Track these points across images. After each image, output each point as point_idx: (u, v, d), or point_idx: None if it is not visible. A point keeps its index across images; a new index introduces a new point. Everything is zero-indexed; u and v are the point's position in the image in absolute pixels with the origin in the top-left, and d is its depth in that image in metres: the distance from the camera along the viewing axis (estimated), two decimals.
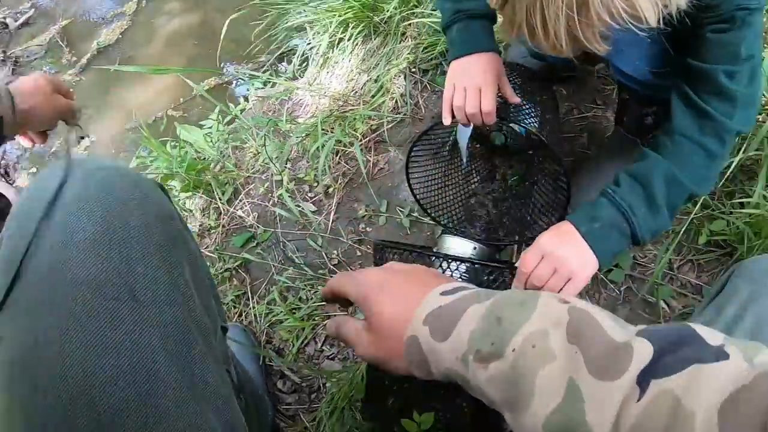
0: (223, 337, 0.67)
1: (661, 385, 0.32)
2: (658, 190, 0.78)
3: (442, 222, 1.10)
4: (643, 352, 0.35)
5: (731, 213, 1.16)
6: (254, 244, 1.37)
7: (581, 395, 0.35)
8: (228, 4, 2.25)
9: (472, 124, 0.98)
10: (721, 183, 1.22)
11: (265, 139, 1.42)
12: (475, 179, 1.20)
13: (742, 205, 1.16)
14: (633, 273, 1.19)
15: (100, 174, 0.51)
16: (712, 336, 0.35)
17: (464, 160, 1.15)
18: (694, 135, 0.79)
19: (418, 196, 1.06)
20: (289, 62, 1.64)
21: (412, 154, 1.01)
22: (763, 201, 1.10)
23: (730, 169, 1.27)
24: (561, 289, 0.79)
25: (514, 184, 1.21)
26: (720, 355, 0.33)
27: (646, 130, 1.13)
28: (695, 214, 1.21)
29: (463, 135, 1.05)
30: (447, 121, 0.95)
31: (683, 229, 1.11)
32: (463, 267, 0.84)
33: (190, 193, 1.55)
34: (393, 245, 0.89)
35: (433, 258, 0.85)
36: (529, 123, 1.07)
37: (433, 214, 1.08)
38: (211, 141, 1.59)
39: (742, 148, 1.17)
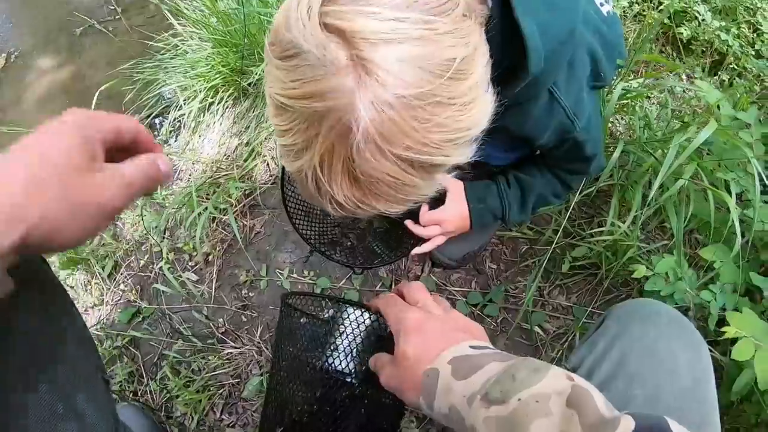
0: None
1: None
2: (530, 199, 1.04)
3: (310, 242, 1.12)
4: (628, 426, 0.41)
5: (592, 236, 1.28)
6: (140, 319, 1.35)
7: None
8: (101, 58, 2.20)
9: None
10: (579, 211, 1.35)
11: (142, 210, 1.40)
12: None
13: (600, 232, 1.28)
14: (507, 304, 1.30)
15: None
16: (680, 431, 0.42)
17: None
18: (560, 175, 1.02)
19: (290, 212, 1.08)
20: (160, 128, 1.63)
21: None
22: (617, 227, 1.22)
23: (589, 197, 1.40)
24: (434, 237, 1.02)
25: (377, 229, 1.29)
26: None
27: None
28: (557, 243, 1.32)
29: None
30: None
31: (547, 258, 1.21)
32: (366, 315, 0.89)
33: (70, 270, 1.50)
34: (300, 294, 0.94)
35: (342, 306, 0.88)
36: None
37: (301, 231, 1.10)
38: None
39: (597, 179, 1.30)
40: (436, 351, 0.58)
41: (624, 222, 1.19)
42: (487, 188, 1.04)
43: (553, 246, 1.24)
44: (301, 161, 0.54)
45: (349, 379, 0.93)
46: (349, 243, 1.23)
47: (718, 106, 1.14)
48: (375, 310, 0.73)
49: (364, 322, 0.91)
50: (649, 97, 1.65)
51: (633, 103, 1.42)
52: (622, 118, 1.53)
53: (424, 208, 1.01)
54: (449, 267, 1.29)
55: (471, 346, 0.57)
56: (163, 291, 1.33)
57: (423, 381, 0.57)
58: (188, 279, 1.30)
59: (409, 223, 1.02)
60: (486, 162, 1.07)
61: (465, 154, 0.59)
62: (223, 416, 1.23)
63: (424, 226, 1.01)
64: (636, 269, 1.13)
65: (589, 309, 1.27)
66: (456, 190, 1.03)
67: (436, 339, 0.60)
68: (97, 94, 1.46)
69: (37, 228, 0.39)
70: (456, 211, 1.02)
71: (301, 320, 0.91)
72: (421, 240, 1.04)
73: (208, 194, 1.36)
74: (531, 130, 0.86)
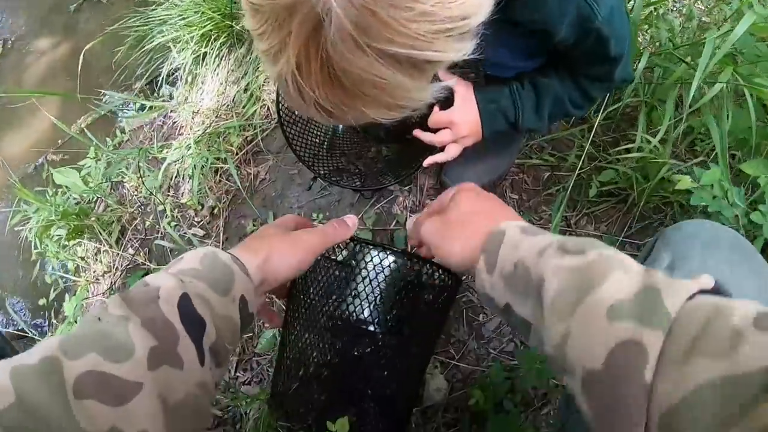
0: None
1: (706, 297, 0.38)
2: (545, 102, 0.93)
3: (313, 168, 1.08)
4: (708, 279, 0.40)
5: (618, 161, 1.18)
6: None
7: (658, 288, 0.39)
8: (98, 31, 2.14)
9: None
10: (603, 134, 1.25)
11: (142, 171, 1.34)
12: (347, 144, 1.21)
13: (628, 151, 1.18)
14: None
15: None
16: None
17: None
18: (581, 82, 0.91)
19: (293, 145, 1.04)
20: (159, 85, 1.56)
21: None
22: (646, 144, 1.12)
23: (613, 119, 1.30)
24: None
25: (387, 156, 1.22)
26: None
27: None
28: (581, 168, 1.23)
29: None
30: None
31: (572, 184, 1.12)
32: (391, 258, 0.82)
33: (77, 240, 1.46)
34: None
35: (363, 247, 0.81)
36: None
37: (303, 158, 1.06)
38: (91, 181, 1.50)
39: (621, 97, 1.20)
40: (501, 217, 0.58)
41: (654, 137, 1.09)
42: (498, 90, 0.94)
43: (577, 171, 1.14)
44: (279, 65, 0.49)
45: (372, 328, 0.86)
46: (357, 170, 1.15)
47: (750, 4, 1.02)
48: (414, 238, 0.69)
49: (388, 266, 0.84)
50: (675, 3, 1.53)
51: (656, 11, 1.30)
52: (646, 30, 1.41)
53: (435, 110, 0.92)
54: None
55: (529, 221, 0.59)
56: (170, 250, 1.28)
57: (487, 238, 0.55)
58: (194, 235, 1.24)
59: (417, 131, 0.93)
60: (499, 75, 0.97)
61: (462, 50, 0.51)
62: (238, 374, 1.17)
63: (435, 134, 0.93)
64: (680, 179, 1.02)
65: (620, 238, 1.17)
66: (464, 91, 0.93)
67: (496, 208, 0.63)
68: (82, 54, 1.40)
69: (270, 255, 0.61)
70: (466, 113, 0.92)
71: (318, 264, 0.82)
72: (435, 149, 0.95)
73: (208, 145, 1.29)
74: (546, 20, 0.76)
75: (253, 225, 1.23)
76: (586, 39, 0.78)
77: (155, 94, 1.56)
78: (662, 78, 1.23)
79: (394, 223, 1.18)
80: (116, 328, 0.44)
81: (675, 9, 1.55)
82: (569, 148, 1.27)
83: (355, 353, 0.86)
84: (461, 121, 0.92)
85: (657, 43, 1.27)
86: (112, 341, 0.43)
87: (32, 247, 1.60)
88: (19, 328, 1.58)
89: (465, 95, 0.93)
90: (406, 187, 1.21)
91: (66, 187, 1.55)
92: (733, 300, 0.36)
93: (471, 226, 0.59)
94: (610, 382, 0.37)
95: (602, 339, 0.38)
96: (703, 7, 1.53)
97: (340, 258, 0.85)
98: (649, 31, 1.42)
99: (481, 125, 0.94)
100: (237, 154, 1.27)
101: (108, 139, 1.63)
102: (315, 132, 1.14)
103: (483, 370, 1.12)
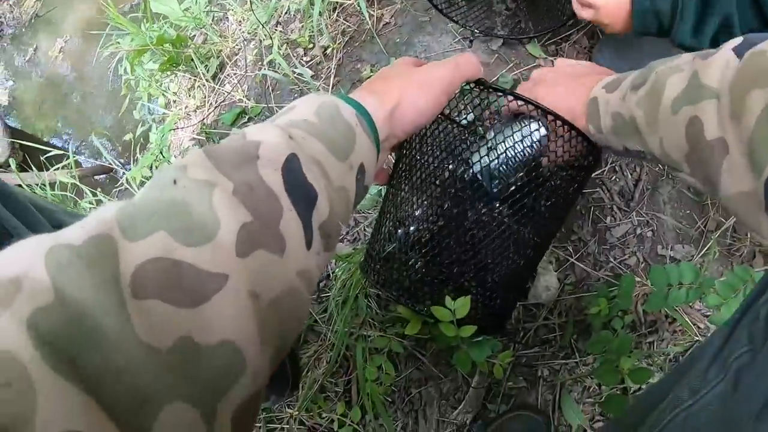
0: None
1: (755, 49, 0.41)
2: (710, 18, 0.74)
3: (464, 24, 1.01)
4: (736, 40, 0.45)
5: None
6: (245, 120, 1.20)
7: (697, 72, 0.46)
8: None
9: None
10: None
11: (251, 2, 1.21)
12: None
13: None
14: None
15: None
16: None
17: None
18: None
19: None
20: None
21: None
22: None
23: None
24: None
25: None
26: None
27: None
28: None
29: None
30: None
31: None
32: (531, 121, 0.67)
33: (170, 72, 1.37)
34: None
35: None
36: None
37: (455, 19, 0.98)
38: (191, 12, 1.39)
39: None
40: (591, 83, 0.63)
41: None
42: None
43: None
44: None
45: (490, 197, 0.71)
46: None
47: None
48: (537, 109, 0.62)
49: (524, 127, 0.68)
50: None
51: None
52: None
53: None
54: None
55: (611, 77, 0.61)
56: (272, 85, 1.15)
57: (588, 110, 0.61)
58: (302, 75, 1.12)
59: None
60: None
61: None
62: None
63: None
64: None
65: None
66: None
67: (588, 74, 0.67)
68: None
69: (400, 100, 0.50)
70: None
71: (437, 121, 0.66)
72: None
73: None
74: None
75: (371, 70, 1.08)
76: None
77: None
78: None
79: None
80: (196, 197, 0.31)
81: None
82: None
83: (465, 224, 0.72)
84: (604, 5, 0.80)
85: None
86: (190, 217, 0.30)
87: (122, 81, 1.53)
88: (106, 162, 1.54)
89: None
90: (550, 57, 1.03)
91: (163, 17, 1.44)
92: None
93: (578, 89, 0.64)
94: (697, 155, 0.46)
95: (678, 128, 0.47)
96: None
97: (463, 121, 0.69)
98: None
99: (632, 18, 0.79)
100: None
101: None
102: None
103: (601, 278, 0.99)
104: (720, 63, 0.43)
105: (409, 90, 0.51)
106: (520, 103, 0.62)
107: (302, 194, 0.36)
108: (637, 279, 0.97)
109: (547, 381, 0.97)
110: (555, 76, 0.70)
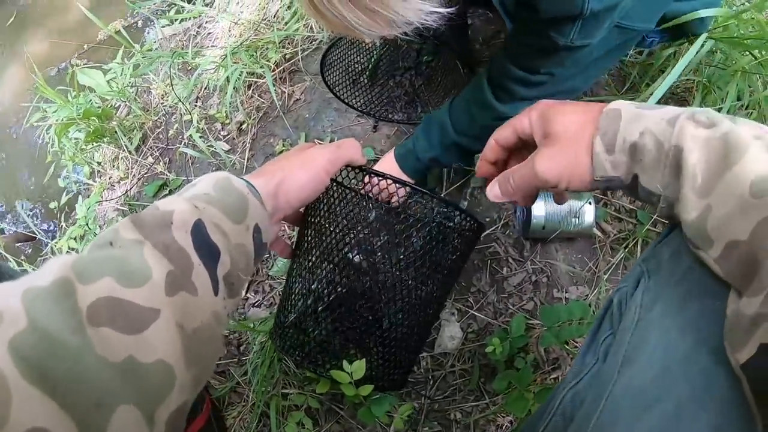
0: None
1: None
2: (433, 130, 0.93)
3: (363, 110, 1.10)
4: None
5: None
6: (167, 192, 1.25)
7: None
8: None
9: None
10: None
11: (171, 77, 1.28)
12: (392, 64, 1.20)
13: None
14: None
15: None
16: None
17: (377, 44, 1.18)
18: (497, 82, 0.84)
19: (334, 89, 1.06)
20: None
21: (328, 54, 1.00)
22: None
23: (657, 99, 1.24)
24: None
25: (427, 61, 1.20)
26: None
27: None
28: None
29: None
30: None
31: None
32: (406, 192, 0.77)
33: (96, 144, 1.41)
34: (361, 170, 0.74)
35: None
36: None
37: (352, 104, 1.09)
38: (116, 85, 1.45)
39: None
40: (593, 113, 0.50)
41: None
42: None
43: None
44: None
45: (382, 265, 0.80)
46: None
47: None
48: (496, 146, 0.59)
49: (406, 201, 0.78)
50: None
51: None
52: None
53: None
54: None
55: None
56: (191, 159, 1.23)
57: (601, 118, 0.49)
58: (220, 148, 1.19)
59: None
60: None
61: None
62: (249, 294, 1.14)
63: None
64: None
65: (654, 216, 1.12)
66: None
67: (582, 106, 0.53)
68: None
69: (283, 178, 0.58)
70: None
71: (332, 191, 0.71)
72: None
73: (245, 59, 1.23)
74: None
75: (283, 145, 1.17)
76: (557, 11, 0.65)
77: (192, 3, 1.49)
78: (722, 64, 1.16)
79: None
80: (131, 251, 0.41)
81: None
82: None
83: (362, 289, 0.81)
84: None
85: (722, 29, 1.20)
86: (128, 265, 0.40)
87: (48, 148, 1.56)
88: (29, 230, 1.55)
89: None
90: None
91: (89, 88, 1.49)
92: None
93: (576, 137, 0.51)
94: (753, 251, 0.37)
95: (748, 213, 0.38)
96: None
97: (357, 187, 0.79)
98: None
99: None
100: (274, 70, 1.20)
101: (138, 45, 1.56)
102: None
103: (500, 324, 1.09)
104: None
105: (292, 169, 0.59)
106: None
107: (208, 251, 0.45)
108: (536, 321, 1.07)
109: (460, 423, 1.05)
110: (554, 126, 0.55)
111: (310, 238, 0.75)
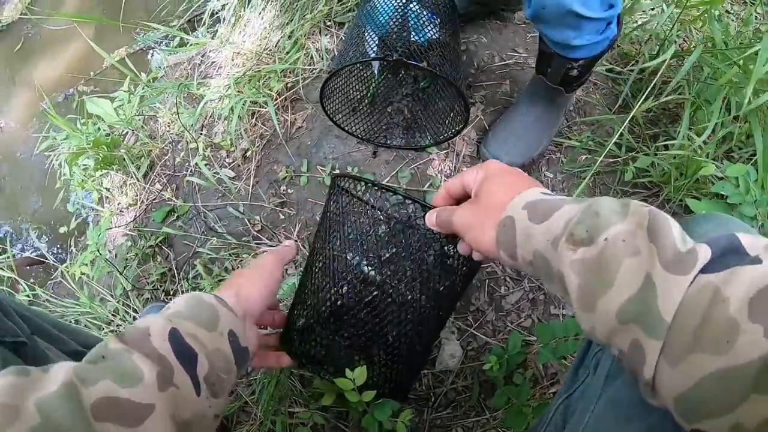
0: None
1: (706, 278, 0.38)
2: None
3: (363, 137, 1.16)
4: (705, 255, 0.40)
5: (656, 155, 1.17)
6: (175, 218, 1.30)
7: (655, 287, 0.39)
8: None
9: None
10: (644, 128, 1.24)
11: (177, 106, 1.33)
12: (390, 90, 1.26)
13: (666, 147, 1.17)
14: None
15: None
16: (752, 246, 0.40)
17: (376, 73, 1.23)
18: None
19: (334, 117, 1.11)
20: (201, 24, 1.55)
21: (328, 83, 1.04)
22: (688, 142, 1.11)
23: (655, 113, 1.29)
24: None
25: (425, 86, 1.26)
26: (755, 261, 0.38)
27: (571, 81, 1.08)
28: (618, 156, 1.22)
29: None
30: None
31: (596, 166, 1.11)
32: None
33: (105, 171, 1.46)
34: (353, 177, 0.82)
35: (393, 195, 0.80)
36: (430, 33, 1.06)
37: (352, 131, 1.14)
38: (123, 113, 1.50)
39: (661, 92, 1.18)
40: (514, 193, 0.55)
41: (697, 136, 1.08)
42: None
43: (599, 159, 1.13)
44: None
45: (388, 282, 0.84)
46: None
47: None
48: (443, 228, 0.66)
49: (416, 224, 0.82)
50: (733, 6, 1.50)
51: (711, 11, 1.26)
52: (700, 28, 1.38)
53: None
54: None
55: (542, 192, 0.54)
56: (198, 186, 1.27)
57: (498, 232, 0.54)
58: (225, 175, 1.24)
59: None
60: None
61: None
62: None
63: None
64: (705, 166, 1.02)
65: None
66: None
67: (512, 182, 0.58)
68: None
69: (241, 284, 0.67)
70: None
71: (342, 206, 0.80)
72: None
73: (248, 88, 1.28)
74: None
75: (286, 172, 1.22)
76: None
77: (195, 33, 1.54)
78: (711, 78, 1.21)
79: (428, 184, 1.17)
80: (122, 358, 0.48)
81: (732, 12, 1.52)
82: (609, 135, 1.25)
83: (367, 303, 0.85)
84: None
85: (710, 43, 1.26)
86: (122, 369, 0.46)
87: (58, 175, 1.61)
88: (39, 253, 1.59)
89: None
90: (443, 151, 1.20)
91: (97, 117, 1.55)
92: (732, 272, 0.37)
93: (492, 210, 0.56)
94: (630, 368, 0.42)
95: (618, 337, 0.42)
96: (762, 13, 1.50)
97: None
98: (702, 28, 1.40)
99: None
100: (276, 99, 1.25)
101: (143, 74, 1.62)
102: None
103: (498, 342, 1.13)
104: (683, 287, 0.39)
105: (245, 279, 0.69)
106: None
107: (186, 355, 0.52)
108: (534, 338, 1.11)
109: None
110: (483, 196, 0.60)
111: (319, 245, 0.80)
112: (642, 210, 0.44)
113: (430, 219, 0.67)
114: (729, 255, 0.39)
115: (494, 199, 0.56)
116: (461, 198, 0.66)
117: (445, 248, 0.77)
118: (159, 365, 0.48)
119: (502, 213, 0.54)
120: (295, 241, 1.18)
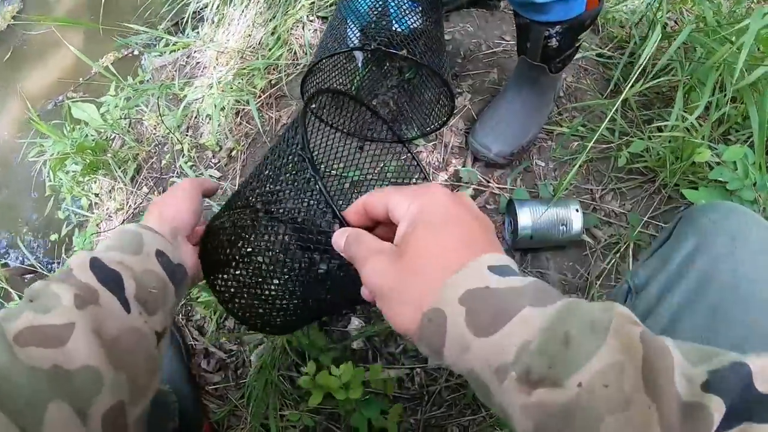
0: None
1: None
2: None
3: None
4: (720, 410, 0.29)
5: (650, 139, 1.15)
6: None
7: None
8: None
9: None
10: (637, 111, 1.21)
11: (160, 108, 1.32)
12: (375, 83, 1.22)
13: (660, 130, 1.14)
14: None
15: None
16: (764, 377, 0.30)
17: (360, 66, 1.20)
18: None
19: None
20: (184, 25, 1.53)
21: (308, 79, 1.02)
22: (681, 122, 1.08)
23: (648, 96, 1.26)
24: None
25: (410, 77, 1.22)
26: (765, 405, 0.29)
27: (552, 55, 1.04)
28: (611, 141, 1.19)
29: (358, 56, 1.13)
30: None
31: (586, 153, 1.08)
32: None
33: (92, 177, 1.45)
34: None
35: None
36: (411, 21, 1.03)
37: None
38: (110, 117, 1.48)
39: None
40: (457, 261, 0.38)
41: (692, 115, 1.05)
42: None
43: (589, 144, 1.10)
44: None
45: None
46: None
47: None
48: (357, 214, 0.48)
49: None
50: None
51: None
52: (690, 8, 1.35)
53: None
54: (496, 164, 1.17)
55: (489, 267, 0.37)
56: None
57: (422, 326, 0.37)
58: (211, 176, 1.22)
59: None
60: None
61: None
62: None
63: None
64: (701, 152, 0.99)
65: (645, 218, 1.13)
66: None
67: (453, 242, 0.39)
68: None
69: (161, 205, 0.67)
70: None
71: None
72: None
73: (231, 87, 1.26)
74: None
75: None
76: None
77: (180, 35, 1.52)
78: (703, 58, 1.18)
79: (415, 178, 1.15)
80: (43, 291, 0.49)
81: None
82: (601, 121, 1.23)
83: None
84: None
85: (701, 23, 1.22)
86: (40, 301, 0.48)
87: (46, 183, 1.60)
88: (29, 263, 1.57)
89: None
90: (431, 143, 1.18)
91: (83, 122, 1.53)
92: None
93: (424, 280, 0.38)
94: None
95: None
96: None
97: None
98: (693, 9, 1.37)
99: None
100: (260, 97, 1.23)
101: (130, 77, 1.60)
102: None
103: None
104: None
105: (165, 201, 0.69)
106: None
107: (109, 278, 0.53)
108: None
109: None
110: (413, 250, 0.40)
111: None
112: (631, 331, 0.32)
113: (338, 242, 0.46)
114: (739, 404, 0.30)
115: (424, 265, 0.39)
116: (381, 222, 0.48)
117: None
118: (78, 289, 0.49)
119: (430, 300, 0.37)
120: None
